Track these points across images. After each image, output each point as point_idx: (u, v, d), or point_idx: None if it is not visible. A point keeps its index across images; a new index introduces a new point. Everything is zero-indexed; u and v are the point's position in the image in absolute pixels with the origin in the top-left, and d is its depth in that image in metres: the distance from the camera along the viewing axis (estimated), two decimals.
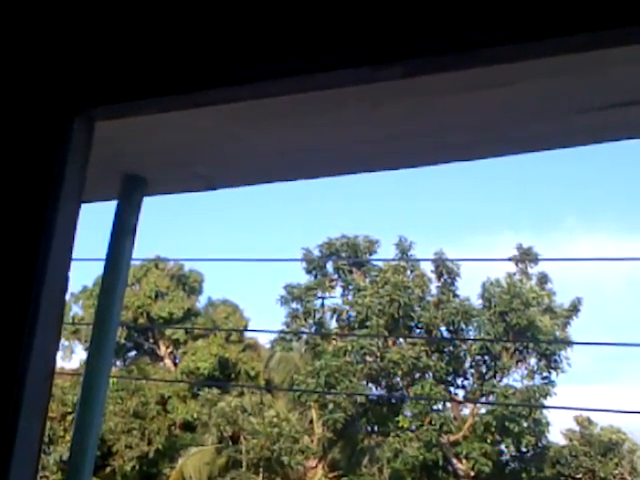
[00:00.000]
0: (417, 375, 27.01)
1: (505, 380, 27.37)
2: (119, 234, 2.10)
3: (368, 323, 27.19)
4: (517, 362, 27.37)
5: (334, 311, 29.02)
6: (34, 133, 1.44)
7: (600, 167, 37.24)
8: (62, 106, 1.43)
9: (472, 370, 27.85)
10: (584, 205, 39.54)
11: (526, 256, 28.01)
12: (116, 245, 2.10)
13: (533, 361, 27.48)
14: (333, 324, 29.48)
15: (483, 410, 27.24)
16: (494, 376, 27.40)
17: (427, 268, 28.58)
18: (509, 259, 27.98)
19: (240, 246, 40.14)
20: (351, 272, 29.44)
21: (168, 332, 34.75)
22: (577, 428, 29.88)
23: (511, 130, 1.85)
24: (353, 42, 1.30)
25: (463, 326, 27.63)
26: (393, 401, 28.20)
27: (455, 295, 28.05)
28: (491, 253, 38.60)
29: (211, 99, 1.49)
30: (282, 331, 29.96)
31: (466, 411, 28.20)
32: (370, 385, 28.47)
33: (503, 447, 27.38)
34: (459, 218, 40.25)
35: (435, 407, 27.33)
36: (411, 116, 1.71)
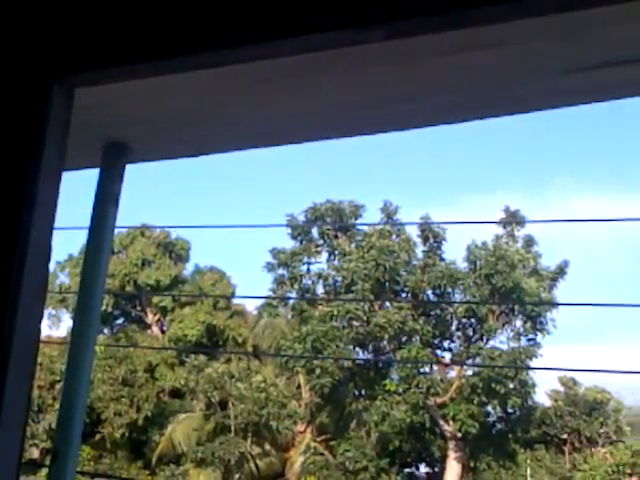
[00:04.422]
0: (404, 339, 27.18)
1: (491, 342, 27.62)
2: (102, 202, 2.08)
3: (354, 288, 27.29)
4: (503, 324, 27.58)
5: (320, 276, 29.11)
6: (12, 101, 1.42)
7: (592, 126, 37.38)
8: (40, 73, 1.40)
9: (458, 333, 28.05)
10: (576, 164, 39.77)
11: (512, 218, 28.11)
12: (99, 213, 2.08)
13: (519, 323, 27.70)
14: (319, 289, 29.59)
15: (470, 372, 27.49)
16: (480, 338, 27.61)
17: (413, 232, 28.69)
18: (495, 222, 28.08)
19: (226, 213, 40.15)
20: (336, 237, 29.49)
21: (155, 300, 34.82)
22: (562, 389, 30.20)
23: (496, 92, 1.83)
24: (336, 3, 1.28)
25: (449, 289, 27.77)
26: (380, 365, 28.40)
27: (441, 259, 28.17)
28: (483, 214, 38.75)
29: (192, 64, 1.47)
30: (269, 297, 30.05)
31: (453, 373, 28.46)
32: (357, 349, 28.65)
33: (489, 408, 27.67)
34: (451, 178, 40.39)
35: (422, 370, 27.53)
36: (394, 80, 1.69)
